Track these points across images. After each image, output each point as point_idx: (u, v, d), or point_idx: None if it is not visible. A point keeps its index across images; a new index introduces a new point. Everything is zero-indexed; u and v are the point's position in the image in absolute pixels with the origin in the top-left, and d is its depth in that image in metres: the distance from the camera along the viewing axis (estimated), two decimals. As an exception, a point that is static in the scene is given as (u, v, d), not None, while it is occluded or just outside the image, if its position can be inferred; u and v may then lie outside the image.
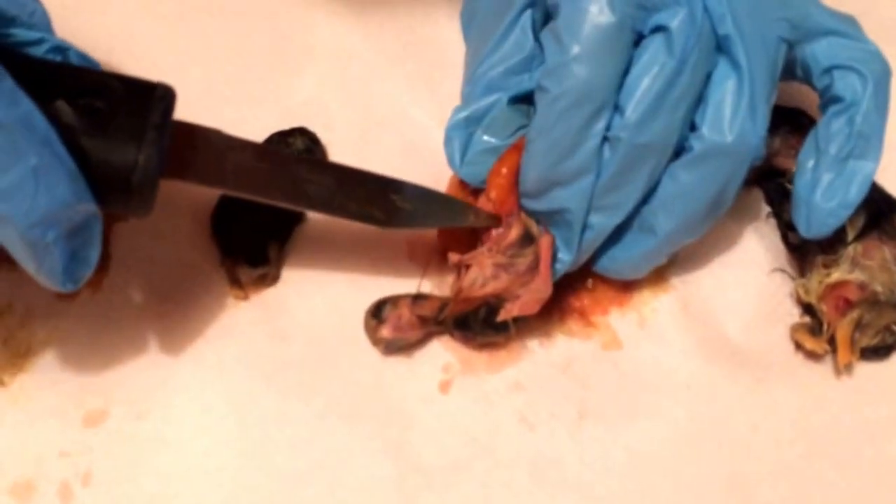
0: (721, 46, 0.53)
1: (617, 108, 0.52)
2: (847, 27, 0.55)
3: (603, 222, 0.54)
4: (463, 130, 0.58)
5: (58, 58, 0.51)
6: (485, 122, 0.58)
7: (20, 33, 0.50)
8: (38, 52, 0.51)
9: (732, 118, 0.52)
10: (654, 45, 0.52)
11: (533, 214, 0.55)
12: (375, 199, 0.55)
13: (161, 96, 0.50)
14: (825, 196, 0.55)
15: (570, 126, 0.51)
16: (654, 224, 0.55)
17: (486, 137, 0.57)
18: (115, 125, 0.49)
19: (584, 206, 0.53)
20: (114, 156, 0.48)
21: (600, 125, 0.52)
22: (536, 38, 0.58)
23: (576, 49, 0.51)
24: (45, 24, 0.52)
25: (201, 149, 0.53)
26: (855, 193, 0.54)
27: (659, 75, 0.51)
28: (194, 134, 0.53)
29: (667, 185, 0.54)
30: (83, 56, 0.53)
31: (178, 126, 0.52)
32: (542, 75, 0.52)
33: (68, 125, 0.47)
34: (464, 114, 0.58)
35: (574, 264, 0.56)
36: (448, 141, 0.58)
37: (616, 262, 0.57)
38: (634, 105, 0.51)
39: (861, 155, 0.54)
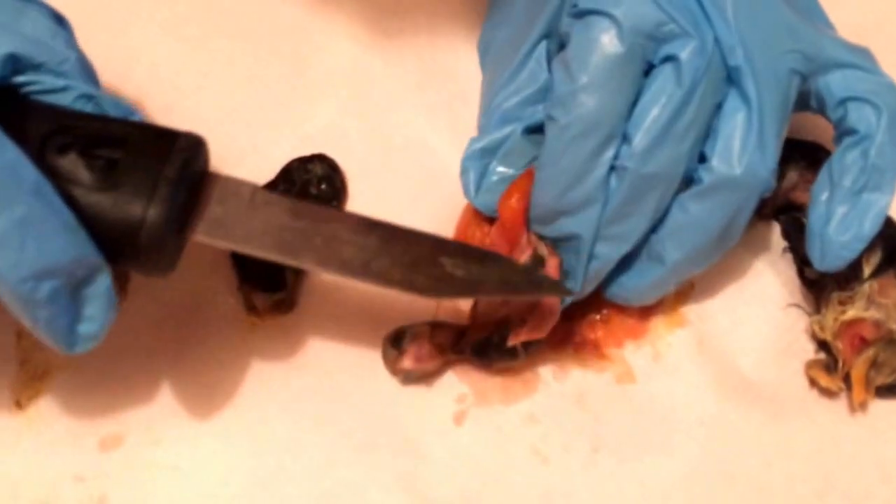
0: (731, 78, 0.53)
1: (625, 138, 0.52)
2: (861, 59, 0.55)
3: (609, 252, 0.55)
4: (478, 161, 0.59)
5: (87, 106, 0.49)
6: (500, 152, 0.58)
7: (46, 80, 0.49)
8: (65, 99, 0.49)
9: (742, 151, 0.52)
10: (662, 75, 0.52)
11: (542, 240, 0.55)
12: (422, 264, 0.51)
13: (183, 147, 0.48)
14: (839, 229, 0.54)
15: (577, 155, 0.52)
16: (663, 253, 0.55)
17: (500, 168, 0.58)
18: (127, 178, 0.46)
19: (592, 234, 0.54)
20: (120, 211, 0.46)
21: (608, 154, 0.52)
22: (551, 69, 0.58)
23: (584, 79, 0.51)
24: (79, 72, 0.50)
25: (230, 203, 0.50)
26: (869, 227, 0.54)
27: (666, 105, 0.52)
28: (221, 185, 0.50)
29: (676, 216, 0.54)
30: (116, 103, 0.51)
31: (204, 177, 0.50)
32: (550, 104, 0.53)
33: (77, 178, 0.46)
34: (479, 145, 0.59)
35: (581, 293, 0.56)
36: (464, 171, 0.59)
37: (625, 289, 0.58)
38: (641, 134, 0.52)
39: (876, 188, 0.54)
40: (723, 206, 0.54)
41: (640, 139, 0.52)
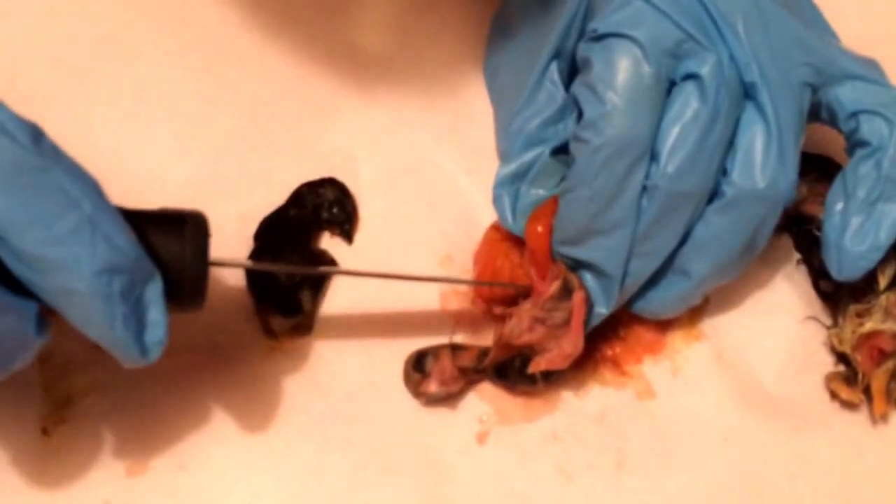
0: (748, 93, 0.54)
1: (653, 157, 0.53)
2: (870, 72, 0.56)
3: (641, 268, 0.55)
4: (510, 187, 0.59)
5: None
6: (530, 175, 0.59)
7: None
8: None
9: (764, 164, 0.53)
10: (685, 92, 0.53)
11: (573, 263, 0.56)
12: None
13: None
14: (855, 239, 0.55)
15: (611, 176, 0.53)
16: (689, 267, 0.56)
17: (533, 191, 0.59)
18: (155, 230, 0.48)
19: (625, 254, 0.54)
20: (161, 250, 0.48)
21: (640, 174, 0.53)
22: (566, 88, 0.59)
23: (614, 100, 0.52)
24: None
25: None
26: (885, 236, 0.55)
27: (694, 123, 0.52)
28: None
29: (700, 230, 0.55)
30: None
31: None
32: (580, 128, 0.54)
33: None
34: (509, 170, 0.60)
35: (612, 311, 0.56)
36: (497, 199, 0.59)
37: (652, 304, 0.58)
38: (672, 153, 0.53)
39: (890, 198, 0.55)
40: (746, 218, 0.54)
41: (672, 159, 0.52)
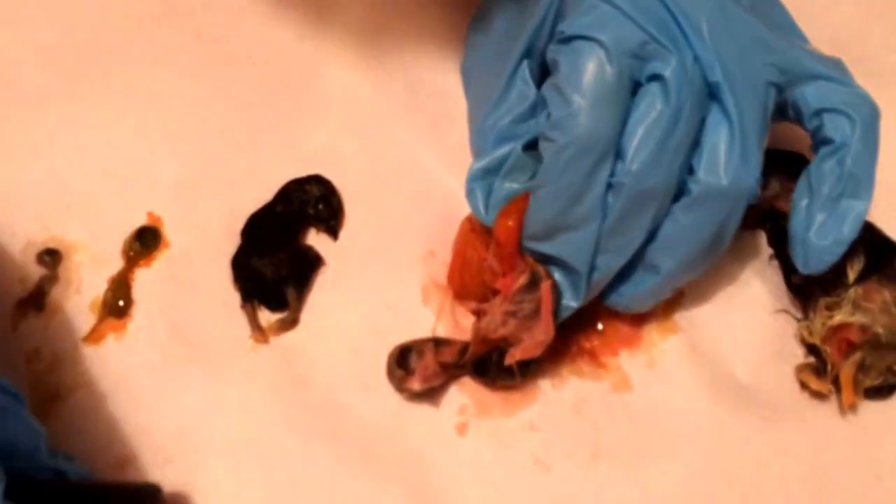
0: (712, 93, 0.55)
1: (619, 155, 0.54)
2: (834, 71, 0.57)
3: (608, 263, 0.57)
4: (482, 181, 0.60)
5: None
6: (503, 170, 0.60)
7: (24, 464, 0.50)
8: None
9: (727, 162, 0.54)
10: (650, 94, 0.54)
11: (541, 258, 0.57)
12: None
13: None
14: (819, 234, 0.56)
15: (577, 174, 0.54)
16: (657, 263, 0.57)
17: (507, 184, 0.59)
18: None
19: (591, 249, 0.56)
20: None
21: (605, 172, 0.54)
22: (537, 87, 0.60)
23: (579, 101, 0.53)
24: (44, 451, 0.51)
25: None
26: (848, 231, 0.56)
27: (657, 123, 0.54)
28: None
29: (668, 226, 0.56)
30: (81, 473, 0.52)
31: None
32: (547, 127, 0.55)
33: None
34: (481, 164, 0.60)
35: (580, 304, 0.58)
36: (470, 192, 0.60)
37: (623, 298, 0.59)
38: (637, 152, 0.54)
39: (853, 194, 0.56)
40: (711, 215, 0.56)
41: (636, 158, 0.54)
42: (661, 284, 0.58)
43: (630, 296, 0.59)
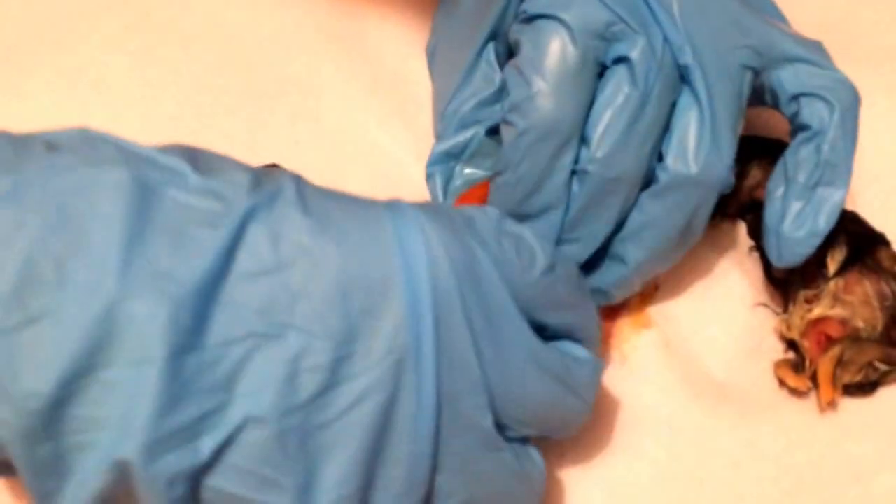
0: (683, 77, 0.53)
1: (584, 141, 0.53)
2: (812, 54, 0.56)
3: (574, 253, 0.55)
4: (443, 165, 0.60)
5: None
6: (465, 154, 0.59)
7: None
8: None
9: (697, 149, 0.53)
10: (616, 76, 0.53)
11: None
12: None
13: None
14: (794, 225, 0.55)
15: (537, 160, 0.53)
16: (625, 253, 0.56)
17: (467, 170, 0.59)
18: None
19: (554, 238, 0.54)
20: None
21: (567, 158, 0.53)
22: (502, 70, 0.59)
23: (540, 83, 0.52)
24: None
25: None
26: (824, 222, 0.55)
27: (624, 108, 0.52)
28: None
29: (635, 216, 0.55)
30: None
31: None
32: (507, 110, 0.53)
33: None
34: (443, 148, 0.60)
35: None
36: (430, 177, 0.60)
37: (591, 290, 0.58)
38: (602, 138, 0.52)
39: (829, 183, 0.55)
40: (681, 205, 0.54)
41: (601, 144, 0.52)
42: (629, 276, 0.56)
43: (598, 288, 0.57)
